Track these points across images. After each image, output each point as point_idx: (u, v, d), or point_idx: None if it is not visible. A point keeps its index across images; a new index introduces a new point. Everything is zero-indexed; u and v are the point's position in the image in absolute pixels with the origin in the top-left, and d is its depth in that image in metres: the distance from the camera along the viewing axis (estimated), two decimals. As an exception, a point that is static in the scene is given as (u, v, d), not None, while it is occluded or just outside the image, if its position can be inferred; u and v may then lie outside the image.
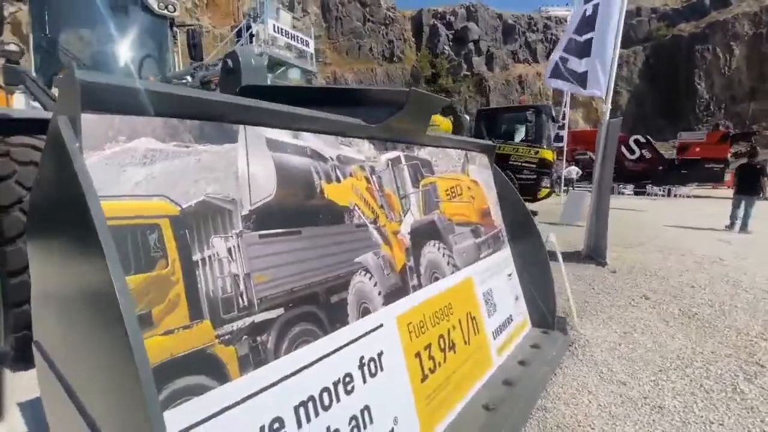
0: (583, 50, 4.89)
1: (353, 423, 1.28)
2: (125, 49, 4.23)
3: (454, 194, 2.27)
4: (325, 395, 1.21)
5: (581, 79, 4.98)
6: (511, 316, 2.51)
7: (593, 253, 4.95)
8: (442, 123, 10.69)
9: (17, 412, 1.73)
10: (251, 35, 12.35)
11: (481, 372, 2.02)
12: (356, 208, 1.55)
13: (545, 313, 2.74)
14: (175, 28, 4.67)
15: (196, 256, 1.01)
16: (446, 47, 49.06)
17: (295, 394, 1.13)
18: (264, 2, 12.68)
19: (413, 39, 51.66)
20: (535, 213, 9.82)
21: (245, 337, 1.06)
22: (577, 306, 3.39)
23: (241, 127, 1.19)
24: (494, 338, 2.25)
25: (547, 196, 9.11)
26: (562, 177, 11.14)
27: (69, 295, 0.97)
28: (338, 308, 1.35)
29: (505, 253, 2.71)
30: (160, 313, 0.91)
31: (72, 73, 0.83)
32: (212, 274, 1.03)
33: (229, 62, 2.62)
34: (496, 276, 2.49)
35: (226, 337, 1.02)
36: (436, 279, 1.91)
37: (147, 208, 0.94)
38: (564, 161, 10.89)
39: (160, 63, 4.45)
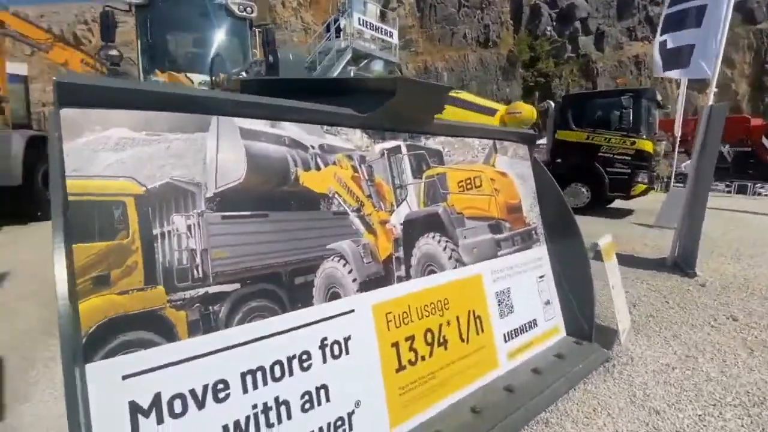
0: (683, 22, 4.13)
1: (306, 398, 1.35)
2: (212, 48, 4.83)
3: (469, 186, 2.17)
4: (277, 368, 1.30)
5: (681, 58, 4.23)
6: (534, 320, 2.32)
7: (681, 262, 4.23)
8: (525, 110, 9.98)
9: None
10: (338, 29, 12.92)
11: (479, 373, 1.93)
12: (336, 196, 1.59)
13: (582, 322, 2.47)
14: (254, 28, 5.16)
15: (156, 231, 1.17)
16: (548, 28, 45.11)
17: (244, 362, 1.24)
18: None
19: (511, 21, 48.57)
20: (629, 212, 8.67)
21: (197, 304, 1.20)
22: (638, 320, 2.97)
23: (213, 117, 1.32)
24: (505, 341, 2.11)
25: (644, 192, 7.91)
26: (673, 172, 9.53)
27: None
28: (302, 290, 1.42)
29: (538, 253, 2.49)
30: (118, 275, 1.09)
31: (59, 76, 1.03)
32: (170, 247, 1.18)
33: (270, 59, 2.84)
34: (520, 276, 2.32)
35: (178, 302, 1.17)
36: (431, 272, 1.86)
37: (114, 187, 1.11)
38: (675, 153, 9.28)
39: (240, 59, 4.98)
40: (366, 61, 13.48)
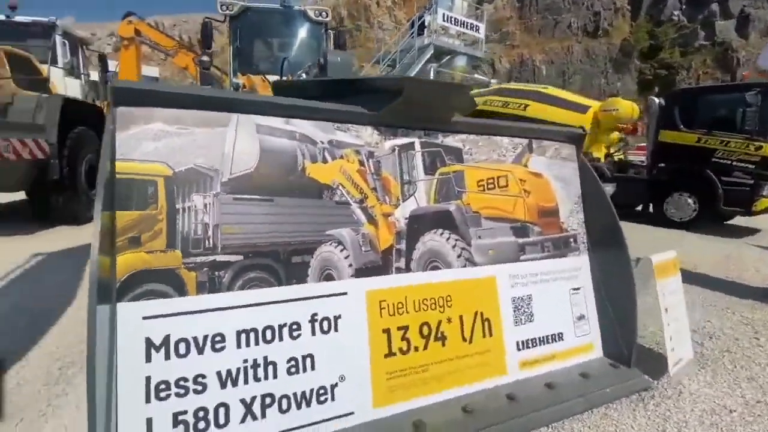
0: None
1: (292, 362, 1.53)
2: (290, 51, 5.38)
3: (492, 186, 2.13)
4: (268, 332, 1.51)
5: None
6: (561, 334, 2.18)
7: (796, 295, 3.45)
8: (622, 107, 8.93)
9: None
10: (420, 26, 13.05)
11: (482, 376, 1.91)
12: (340, 187, 1.74)
13: (621, 344, 2.24)
14: (329, 30, 5.59)
15: (179, 206, 1.45)
16: (676, 12, 39.09)
17: (239, 322, 1.47)
18: None
19: (628, 7, 43.22)
20: (754, 231, 7.23)
21: (206, 268, 1.46)
22: (710, 354, 2.56)
23: (234, 115, 1.57)
24: (518, 349, 2.04)
25: None
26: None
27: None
28: (297, 268, 1.60)
29: (575, 263, 2.32)
30: (146, 238, 1.39)
31: (113, 83, 1.36)
32: (189, 219, 1.46)
33: (321, 61, 3.11)
34: (548, 285, 2.20)
35: (191, 265, 1.44)
36: (435, 268, 1.90)
37: (150, 169, 1.42)
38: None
39: (315, 60, 5.46)
40: (448, 57, 13.38)
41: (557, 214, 2.32)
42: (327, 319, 1.62)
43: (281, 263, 1.58)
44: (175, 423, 1.34)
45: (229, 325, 1.46)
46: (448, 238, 1.96)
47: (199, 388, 1.38)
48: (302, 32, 5.47)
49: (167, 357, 1.36)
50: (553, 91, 11.08)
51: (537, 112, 10.41)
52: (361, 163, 1.81)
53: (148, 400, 1.32)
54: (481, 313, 1.97)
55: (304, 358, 1.55)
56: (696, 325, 3.01)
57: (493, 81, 15.43)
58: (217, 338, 1.43)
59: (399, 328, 1.76)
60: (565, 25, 43.86)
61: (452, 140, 2.07)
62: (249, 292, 1.51)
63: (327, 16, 5.38)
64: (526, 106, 10.83)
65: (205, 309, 1.43)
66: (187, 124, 1.49)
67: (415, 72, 13.19)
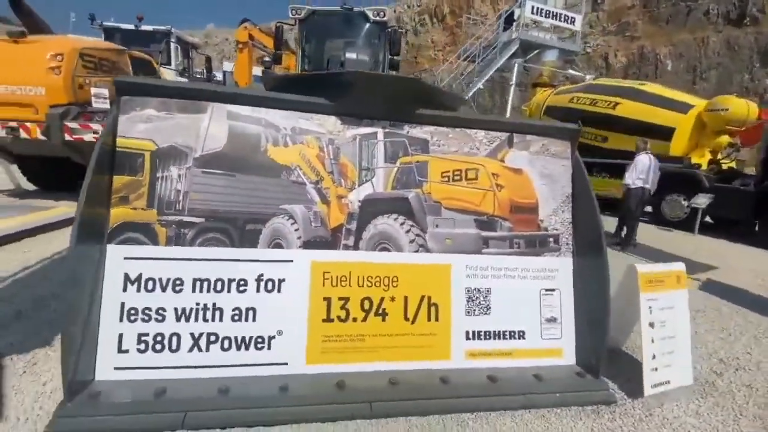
0: None
1: (236, 311, 1.83)
2: (354, 49, 5.76)
3: (459, 178, 2.16)
4: (219, 283, 1.82)
5: None
6: (522, 332, 2.14)
7: None
8: (734, 106, 7.55)
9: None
10: (509, 20, 12.49)
11: (420, 356, 1.99)
12: (298, 169, 1.98)
13: (589, 353, 2.10)
14: (388, 29, 5.83)
15: (159, 174, 1.83)
16: None
17: (196, 272, 1.81)
18: None
19: (791, -12, 35.42)
20: None
21: (174, 226, 1.82)
22: (723, 386, 2.24)
23: (211, 104, 1.90)
24: (467, 338, 2.07)
25: None
26: None
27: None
28: (250, 234, 1.89)
29: (552, 264, 2.23)
30: (133, 198, 1.80)
31: (119, 78, 1.79)
32: (165, 186, 1.83)
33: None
34: (514, 281, 2.16)
35: (163, 221, 1.82)
36: (384, 249, 2.03)
37: (140, 145, 1.83)
38: None
39: (375, 56, 5.78)
40: (536, 51, 12.58)
41: (536, 212, 2.25)
42: (272, 280, 1.88)
43: (237, 229, 1.88)
44: (139, 341, 1.73)
45: (187, 272, 1.80)
46: (402, 224, 2.07)
47: (159, 318, 1.76)
48: (362, 31, 5.84)
49: (138, 290, 1.75)
50: (651, 87, 9.77)
51: (628, 111, 9.32)
52: (321, 149, 2.02)
53: (121, 320, 1.73)
54: (429, 298, 2.05)
55: (247, 309, 1.84)
56: (732, 354, 2.61)
57: (588, 77, 14.08)
58: (177, 281, 1.79)
59: (340, 299, 1.94)
60: (700, 12, 37.63)
61: (419, 132, 2.16)
62: (207, 248, 1.84)
63: (384, 16, 5.67)
64: (617, 104, 9.77)
65: (171, 257, 1.80)
66: (172, 110, 1.87)
67: (496, 68, 12.73)
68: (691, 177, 7.69)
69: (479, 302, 2.11)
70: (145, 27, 7.87)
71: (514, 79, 12.95)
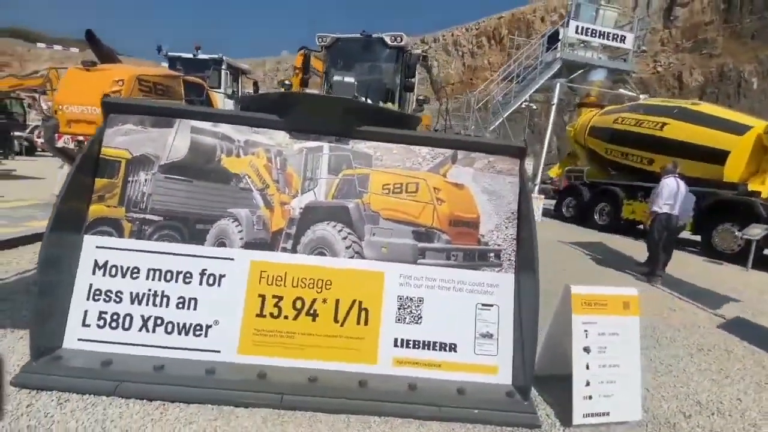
0: None
1: (180, 300, 2.08)
2: (373, 73, 6.11)
3: (398, 190, 2.27)
4: (168, 273, 2.09)
5: None
6: (453, 345, 2.15)
7: None
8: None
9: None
10: (551, 39, 12.25)
11: (346, 358, 2.09)
12: (247, 177, 2.22)
13: (525, 373, 2.06)
14: (405, 53, 6.10)
15: (131, 178, 2.17)
16: None
17: (151, 262, 2.09)
18: (578, 4, 12.12)
19: None
20: None
21: (137, 222, 2.14)
22: (681, 411, 2.06)
23: (177, 119, 2.22)
24: (395, 345, 2.13)
25: None
26: None
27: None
28: (198, 233, 2.15)
29: (491, 279, 2.23)
30: (108, 197, 2.15)
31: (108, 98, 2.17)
32: (134, 188, 2.16)
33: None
34: (449, 293, 2.20)
35: (129, 218, 2.14)
36: (321, 254, 2.18)
37: (118, 153, 2.18)
38: None
39: (392, 79, 6.08)
40: (581, 71, 12.15)
41: (476, 226, 2.28)
42: (213, 275, 2.11)
43: (188, 227, 2.15)
44: (99, 317, 2.04)
45: (144, 262, 2.09)
46: (340, 231, 2.21)
47: (117, 299, 2.05)
48: (380, 56, 6.20)
49: (104, 275, 2.07)
50: (704, 107, 8.99)
51: (676, 133, 8.66)
52: (269, 160, 2.25)
53: (87, 299, 2.05)
54: (360, 302, 2.15)
55: (190, 299, 2.08)
56: (716, 398, 2.37)
57: (642, 96, 13.27)
58: (135, 270, 2.08)
59: (274, 296, 2.12)
60: (790, 25, 33.96)
61: (364, 146, 2.31)
62: (161, 243, 2.12)
63: (401, 41, 5.97)
64: (664, 125, 9.12)
65: (132, 249, 2.11)
66: (146, 125, 2.21)
67: (535, 88, 12.48)
68: (746, 205, 6.91)
69: (411, 311, 2.17)
70: (201, 55, 8.94)
71: (555, 99, 12.56)
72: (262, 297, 2.11)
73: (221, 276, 2.11)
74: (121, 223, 2.14)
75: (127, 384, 1.85)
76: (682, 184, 5.07)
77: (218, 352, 2.05)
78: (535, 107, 14.64)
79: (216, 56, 8.94)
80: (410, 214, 2.26)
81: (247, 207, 2.20)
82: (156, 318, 2.06)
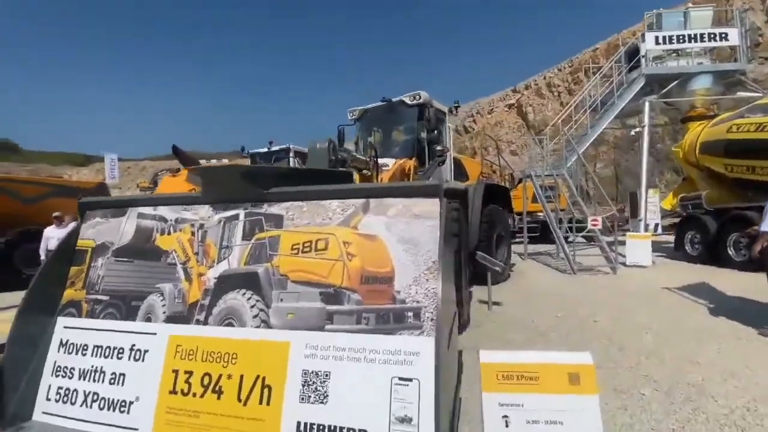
0: None
1: (113, 376, 2.19)
2: (400, 132, 6.24)
3: (307, 249, 2.11)
4: (108, 350, 2.26)
5: None
6: (363, 431, 1.76)
7: None
8: None
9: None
10: (629, 57, 10.74)
11: (246, 442, 1.87)
12: (174, 252, 2.34)
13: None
14: (425, 110, 6.11)
15: (94, 264, 2.50)
16: None
17: (95, 339, 2.30)
18: (658, 14, 10.58)
19: None
20: None
21: (91, 302, 2.40)
22: None
23: (129, 208, 2.54)
24: (297, 430, 1.83)
25: None
26: None
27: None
28: (132, 309, 2.29)
29: (410, 345, 1.82)
30: (76, 282, 2.50)
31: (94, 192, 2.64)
32: (94, 272, 2.48)
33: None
34: (359, 364, 1.86)
35: (87, 299, 2.43)
36: (230, 324, 2.10)
37: (87, 244, 2.56)
38: None
39: (413, 138, 6.09)
40: (675, 82, 10.17)
41: (391, 281, 1.94)
42: (140, 350, 2.19)
43: (125, 304, 2.32)
44: (57, 393, 2.27)
45: (90, 339, 2.31)
46: (249, 298, 2.12)
47: (70, 375, 2.28)
48: (402, 116, 6.41)
49: (64, 352, 2.35)
50: None
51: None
52: (192, 234, 2.35)
53: (51, 375, 2.32)
54: (264, 379, 1.95)
55: (120, 374, 2.18)
56: None
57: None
58: (84, 346, 2.31)
59: (185, 372, 2.08)
60: None
61: (276, 208, 2.25)
62: (104, 321, 2.33)
63: (420, 99, 6.05)
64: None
65: (83, 327, 2.36)
66: (107, 216, 2.58)
67: (619, 110, 10.83)
68: None
69: (315, 388, 1.87)
70: (274, 148, 10.50)
71: (645, 120, 10.61)
72: (176, 372, 2.09)
73: (145, 351, 2.18)
74: (81, 304, 2.44)
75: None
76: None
77: (137, 430, 2.05)
78: (633, 133, 12.62)
79: (285, 146, 10.38)
80: (318, 273, 2.05)
81: (171, 281, 2.30)
82: (94, 393, 2.19)
